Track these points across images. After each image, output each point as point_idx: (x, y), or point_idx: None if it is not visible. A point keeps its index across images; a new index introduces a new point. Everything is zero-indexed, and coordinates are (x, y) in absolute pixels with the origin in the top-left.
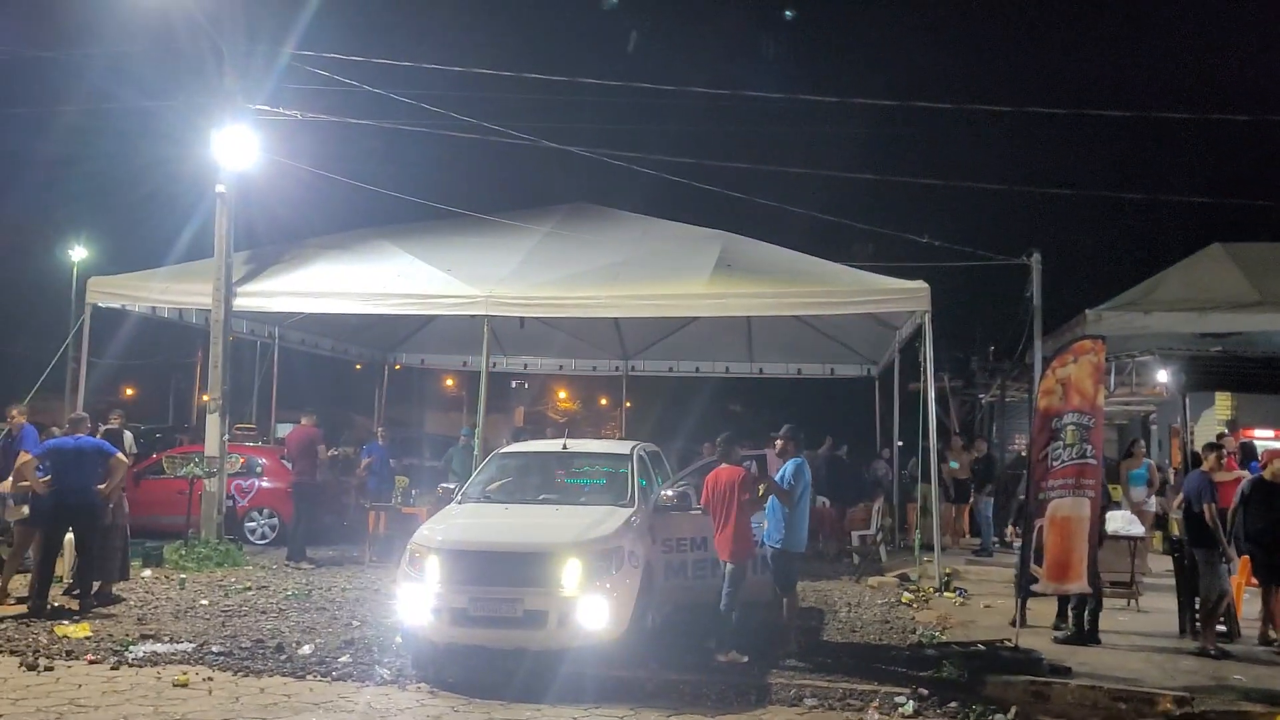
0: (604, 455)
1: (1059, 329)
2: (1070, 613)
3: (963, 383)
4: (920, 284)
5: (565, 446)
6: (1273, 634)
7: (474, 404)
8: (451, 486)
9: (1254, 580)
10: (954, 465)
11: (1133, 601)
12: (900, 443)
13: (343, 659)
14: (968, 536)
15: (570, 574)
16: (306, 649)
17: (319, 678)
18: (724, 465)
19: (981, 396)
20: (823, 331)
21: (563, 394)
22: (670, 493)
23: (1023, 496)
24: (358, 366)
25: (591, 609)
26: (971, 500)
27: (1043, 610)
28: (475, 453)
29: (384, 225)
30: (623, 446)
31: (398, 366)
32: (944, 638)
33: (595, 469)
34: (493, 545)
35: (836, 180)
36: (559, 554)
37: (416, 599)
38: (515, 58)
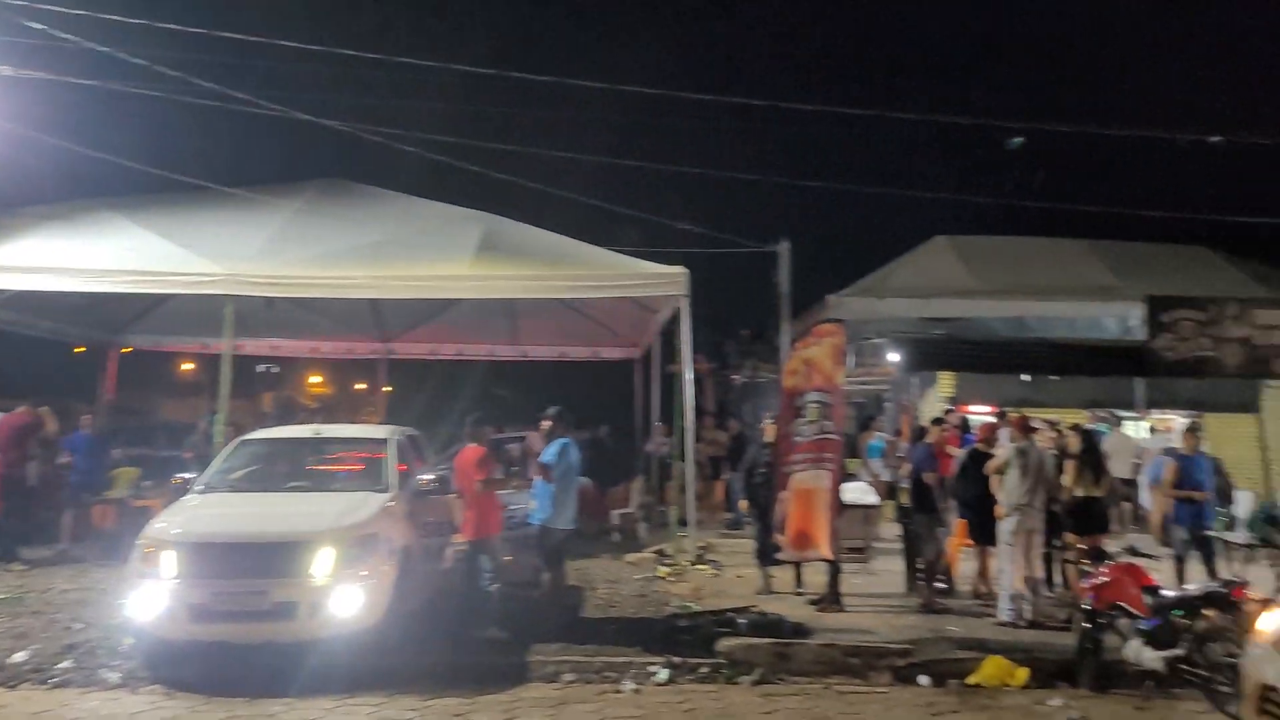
0: (360, 440)
1: (806, 313)
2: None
3: (718, 364)
4: (679, 269)
5: (318, 432)
6: (984, 589)
7: (216, 389)
8: (189, 476)
9: (970, 541)
10: (660, 440)
11: (866, 565)
12: (660, 423)
13: (63, 664)
14: (722, 512)
15: (322, 562)
16: (20, 656)
17: (35, 686)
18: (469, 446)
19: (735, 377)
20: (586, 314)
21: (317, 378)
22: (429, 477)
23: (761, 473)
24: (78, 350)
25: (346, 598)
26: (725, 476)
27: (790, 577)
28: (217, 440)
29: (113, 196)
30: (380, 431)
31: (127, 350)
32: (697, 608)
33: (350, 454)
34: (237, 536)
35: (602, 165)
36: (310, 542)
37: (150, 596)
38: (272, 24)
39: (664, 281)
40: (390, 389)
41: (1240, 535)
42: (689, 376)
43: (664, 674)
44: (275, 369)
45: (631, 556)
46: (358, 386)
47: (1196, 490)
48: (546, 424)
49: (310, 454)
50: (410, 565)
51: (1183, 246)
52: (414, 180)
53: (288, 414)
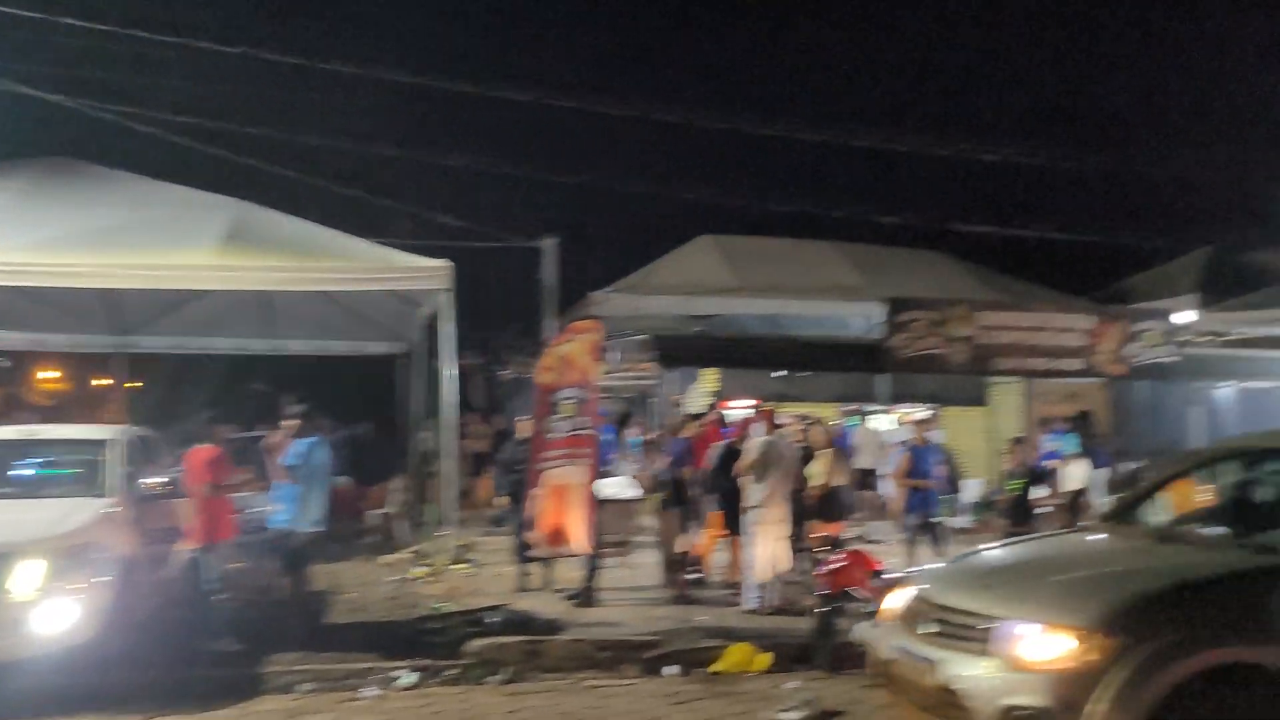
0: (79, 442)
1: (573, 308)
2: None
3: (487, 359)
4: (442, 262)
5: (32, 433)
6: (736, 578)
7: None
8: None
9: (724, 532)
10: (423, 437)
11: (626, 559)
12: (430, 419)
13: None
14: (487, 508)
15: (24, 576)
16: None
17: None
18: (199, 446)
19: (504, 372)
20: (349, 308)
21: (51, 374)
22: (160, 480)
23: (518, 469)
24: None
25: (54, 613)
26: (490, 473)
27: (552, 573)
28: None
29: None
30: (102, 431)
31: None
32: (450, 608)
33: (66, 458)
34: None
35: (367, 155)
36: (9, 554)
37: None
38: None
39: (426, 275)
40: (137, 385)
41: (964, 520)
42: (451, 372)
43: (409, 678)
44: (6, 364)
45: (387, 558)
46: (99, 383)
47: (925, 479)
48: (291, 422)
49: (19, 457)
50: (134, 575)
51: (922, 251)
52: (158, 164)
53: (10, 413)
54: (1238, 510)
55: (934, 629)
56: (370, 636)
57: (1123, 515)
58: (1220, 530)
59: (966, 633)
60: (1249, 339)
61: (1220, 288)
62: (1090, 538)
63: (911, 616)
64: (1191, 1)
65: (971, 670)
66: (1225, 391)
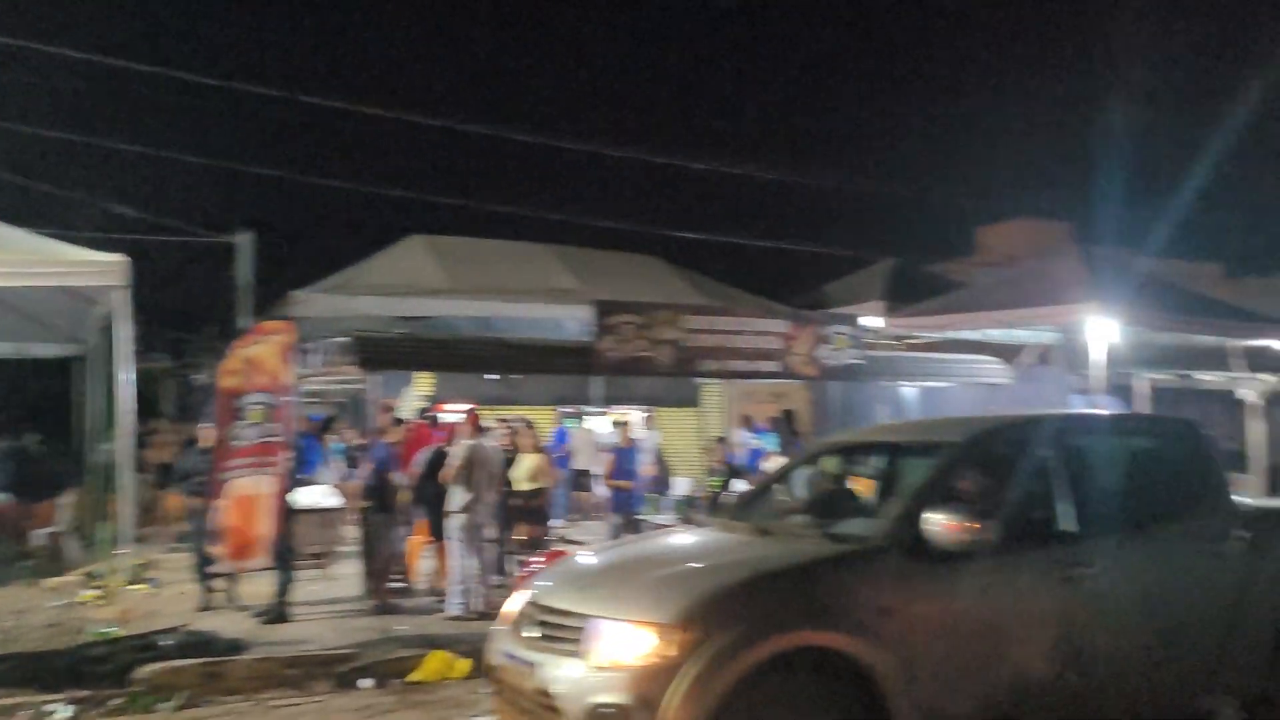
0: None
1: (273, 309)
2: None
3: (180, 362)
4: (117, 257)
5: None
6: (442, 585)
7: None
8: None
9: (431, 538)
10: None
11: (325, 570)
12: (138, 431)
13: None
14: (178, 523)
15: None
16: None
17: None
18: None
19: (197, 377)
20: (12, 305)
21: None
22: None
23: (198, 481)
24: None
25: None
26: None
27: (239, 589)
28: None
29: None
30: None
31: None
32: (120, 633)
33: None
34: None
35: (38, 139)
36: None
37: None
38: None
39: (97, 270)
40: None
41: (666, 517)
42: (128, 376)
43: (65, 712)
44: None
45: (53, 581)
46: None
47: (629, 479)
48: None
49: None
50: None
51: (637, 255)
52: None
53: None
54: (829, 501)
55: (537, 632)
56: (22, 668)
57: (737, 511)
58: (811, 522)
59: (564, 634)
60: (928, 343)
61: (902, 295)
62: (698, 534)
63: (520, 620)
64: (912, 39)
65: (566, 672)
66: (910, 391)
